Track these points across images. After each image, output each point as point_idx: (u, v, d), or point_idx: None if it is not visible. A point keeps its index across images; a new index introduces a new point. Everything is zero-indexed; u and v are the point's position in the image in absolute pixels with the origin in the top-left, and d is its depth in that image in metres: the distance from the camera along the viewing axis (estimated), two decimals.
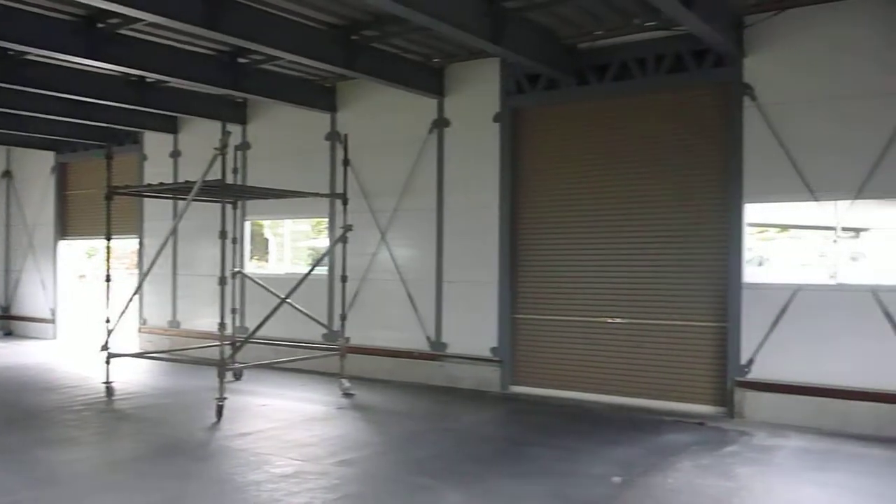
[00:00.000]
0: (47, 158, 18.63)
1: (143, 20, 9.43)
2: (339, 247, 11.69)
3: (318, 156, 13.60)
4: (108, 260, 11.80)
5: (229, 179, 10.40)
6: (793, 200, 9.68)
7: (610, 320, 10.93)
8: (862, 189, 9.12)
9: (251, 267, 15.38)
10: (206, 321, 14.38)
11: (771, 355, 9.61)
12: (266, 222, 16.60)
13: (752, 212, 9.95)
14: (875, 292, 9.04)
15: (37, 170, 18.91)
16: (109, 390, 11.04)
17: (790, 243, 13.58)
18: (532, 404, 10.90)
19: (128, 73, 12.19)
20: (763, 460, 7.95)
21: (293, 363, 12.13)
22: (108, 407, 10.56)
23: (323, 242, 15.75)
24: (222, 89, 12.11)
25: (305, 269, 12.27)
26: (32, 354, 15.87)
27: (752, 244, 10.73)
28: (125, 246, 18.51)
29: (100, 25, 10.09)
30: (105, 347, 11.19)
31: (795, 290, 9.53)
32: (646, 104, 10.73)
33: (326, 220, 13.80)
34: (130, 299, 11.42)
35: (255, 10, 9.51)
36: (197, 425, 9.39)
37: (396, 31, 10.50)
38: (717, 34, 9.07)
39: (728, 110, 9.99)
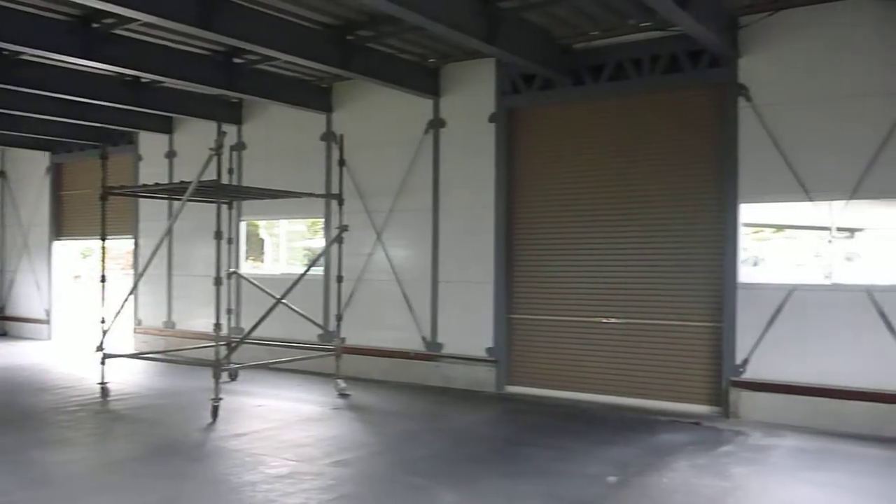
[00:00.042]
0: (42, 159, 18.59)
1: (138, 20, 9.43)
2: (334, 247, 11.68)
3: (314, 156, 13.59)
4: (103, 260, 11.77)
5: (225, 180, 10.39)
6: (788, 200, 9.69)
7: (605, 320, 10.94)
8: (857, 189, 9.14)
9: (247, 267, 15.36)
10: (202, 322, 14.32)
11: (766, 355, 9.63)
12: (262, 223, 16.58)
13: (748, 212, 9.97)
14: (870, 292, 9.07)
15: (32, 170, 18.87)
16: (104, 391, 11.02)
17: (785, 243, 13.60)
18: (527, 404, 10.90)
19: (123, 74, 12.17)
20: (758, 460, 7.97)
21: (289, 364, 12.11)
22: (103, 408, 10.54)
23: (318, 243, 15.75)
24: (217, 89, 12.10)
25: (301, 270, 12.25)
26: (27, 355, 15.83)
27: (748, 244, 10.74)
28: (120, 246, 18.45)
29: (94, 25, 10.07)
30: (100, 348, 11.17)
31: (790, 290, 9.55)
32: (641, 104, 10.74)
33: (322, 220, 13.80)
34: (125, 300, 11.40)
35: (250, 10, 9.50)
36: (192, 426, 9.37)
37: (392, 32, 10.50)
38: (711, 35, 9.09)
39: (723, 111, 10.01)
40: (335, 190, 11.92)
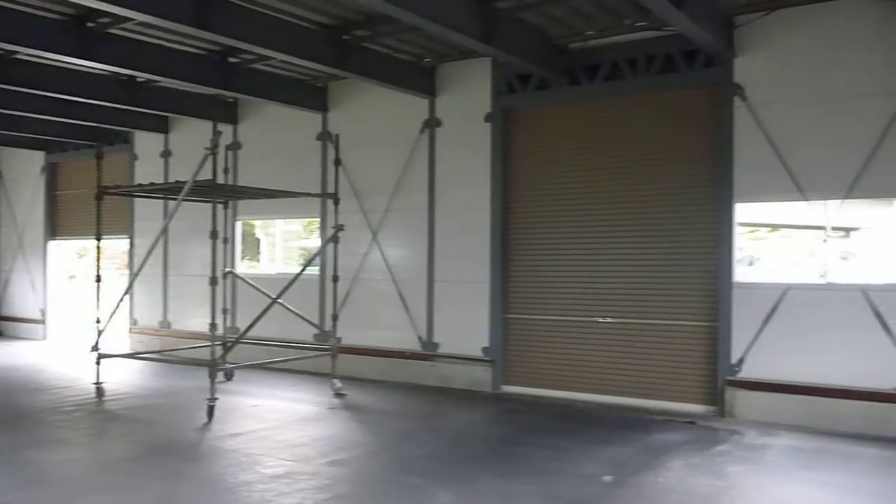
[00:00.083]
0: (37, 158, 18.55)
1: (134, 19, 9.42)
2: (330, 247, 11.68)
3: (310, 156, 13.58)
4: (98, 260, 11.76)
5: (220, 179, 10.39)
6: (783, 200, 9.72)
7: (601, 320, 10.95)
8: (852, 188, 9.16)
9: (242, 267, 15.35)
10: (197, 321, 14.35)
11: (761, 354, 9.65)
12: (257, 222, 16.55)
13: (743, 211, 9.98)
14: (865, 291, 9.09)
15: (27, 169, 18.83)
16: (100, 391, 11.00)
17: (781, 243, 13.61)
18: (523, 404, 10.91)
19: (118, 73, 12.14)
20: (754, 459, 7.98)
21: (284, 363, 12.11)
22: (98, 408, 10.52)
23: (314, 242, 15.73)
24: (213, 89, 12.08)
25: (297, 269, 12.25)
26: (22, 355, 15.79)
27: (743, 244, 10.76)
28: (116, 246, 18.46)
29: (90, 25, 10.05)
30: (95, 348, 11.15)
31: (786, 290, 9.57)
32: (636, 104, 10.75)
33: (318, 219, 13.78)
34: (121, 299, 11.39)
35: (246, 10, 9.49)
36: (188, 426, 9.36)
37: (388, 31, 10.50)
38: (707, 34, 9.10)
39: (718, 110, 10.02)
40: (331, 189, 11.91)
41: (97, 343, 11.15)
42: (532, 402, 10.94)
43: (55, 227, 18.53)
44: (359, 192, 12.91)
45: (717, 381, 9.97)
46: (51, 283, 18.61)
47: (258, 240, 18.75)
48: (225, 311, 13.01)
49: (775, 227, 13.22)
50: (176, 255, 15.60)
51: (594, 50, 10.84)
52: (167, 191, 11.69)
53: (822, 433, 8.93)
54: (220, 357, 10.38)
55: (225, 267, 13.08)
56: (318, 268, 13.17)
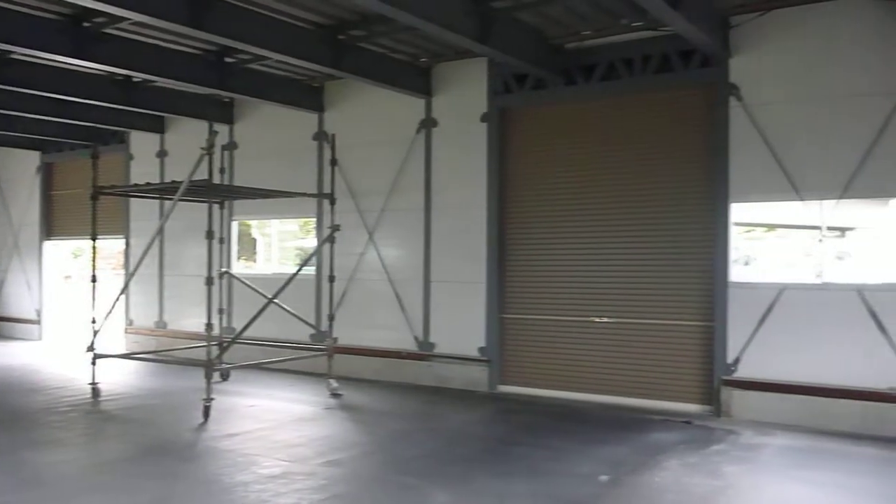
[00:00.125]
0: (33, 158, 18.51)
1: (129, 19, 9.41)
2: (326, 247, 11.67)
3: (306, 156, 13.57)
4: (93, 260, 11.73)
5: (216, 179, 10.37)
6: (778, 200, 9.73)
7: (597, 319, 10.96)
8: (847, 188, 9.18)
9: (239, 267, 15.34)
10: (193, 321, 14.33)
11: (757, 354, 9.66)
12: (253, 222, 16.56)
13: (739, 211, 10.00)
14: (860, 291, 9.10)
15: (22, 169, 18.78)
16: (96, 391, 10.99)
17: (776, 242, 13.63)
18: (520, 404, 10.91)
19: (114, 73, 12.12)
20: (749, 458, 8.00)
21: (281, 363, 12.10)
22: (94, 408, 10.51)
23: (310, 242, 15.71)
24: (209, 89, 12.07)
25: (293, 270, 12.24)
26: (18, 355, 15.76)
27: (739, 243, 10.77)
28: (111, 246, 18.42)
29: (85, 24, 10.04)
30: (91, 348, 11.14)
31: (781, 290, 9.58)
32: (633, 104, 10.77)
33: (314, 219, 13.78)
34: (116, 300, 11.38)
35: (241, 10, 9.48)
36: (184, 426, 9.35)
37: (383, 31, 10.50)
38: (703, 34, 9.11)
39: (714, 110, 10.04)
40: (327, 189, 11.90)
41: (93, 343, 11.14)
42: (528, 402, 10.94)
43: (51, 228, 18.49)
44: (355, 192, 12.90)
45: (713, 381, 9.99)
46: (46, 283, 18.57)
47: (254, 240, 18.77)
48: (221, 312, 12.99)
49: (771, 226, 13.25)
50: (172, 256, 15.58)
51: (590, 50, 10.85)
52: (163, 191, 11.68)
53: (818, 433, 8.94)
54: (217, 357, 10.37)
55: (221, 267, 13.06)
56: (314, 268, 13.16)
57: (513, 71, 11.34)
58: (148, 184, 11.54)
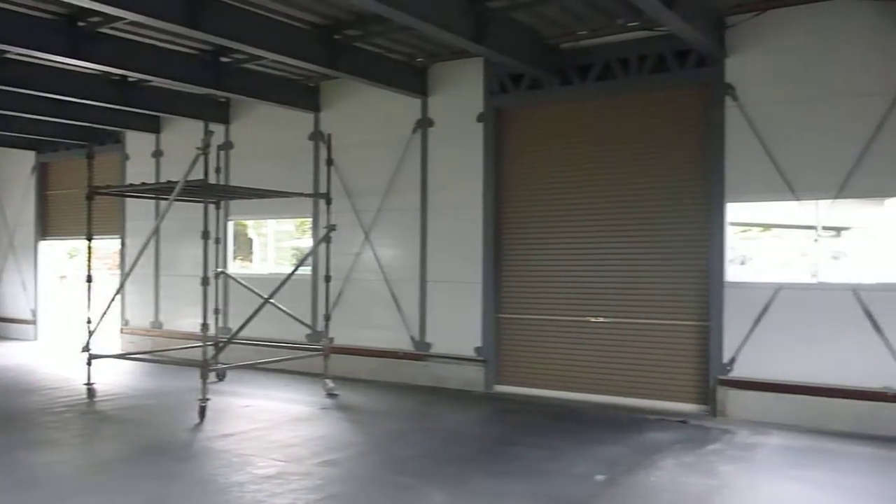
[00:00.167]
0: (28, 158, 18.47)
1: (125, 19, 9.39)
2: (322, 247, 11.66)
3: (302, 155, 13.56)
4: (89, 260, 11.71)
5: (212, 179, 10.37)
6: (774, 200, 9.76)
7: (593, 319, 10.96)
8: (843, 188, 9.20)
9: (234, 267, 15.32)
10: (189, 322, 14.28)
11: (753, 353, 9.68)
12: (249, 222, 16.54)
13: (735, 211, 10.02)
14: (855, 291, 9.12)
15: (17, 169, 18.74)
16: (91, 392, 10.96)
17: (772, 242, 13.66)
18: (516, 404, 10.91)
19: (109, 73, 12.10)
20: (745, 458, 8.01)
21: (277, 364, 12.08)
22: (89, 408, 10.49)
23: (307, 242, 15.71)
24: (205, 88, 12.06)
25: (289, 270, 12.23)
26: (13, 356, 15.72)
27: (735, 243, 10.79)
28: (107, 246, 18.38)
29: (81, 24, 10.02)
30: (86, 349, 11.11)
31: (777, 289, 9.60)
32: (628, 104, 10.77)
33: (310, 219, 13.77)
34: (112, 300, 11.34)
35: (237, 9, 9.47)
36: (180, 426, 9.34)
37: (379, 31, 10.49)
38: (698, 34, 9.12)
39: (710, 110, 10.05)
40: (323, 189, 11.90)
41: (88, 343, 11.11)
42: (524, 402, 10.95)
43: (46, 228, 18.45)
44: (351, 192, 12.90)
45: (708, 381, 10.00)
46: (42, 283, 18.54)
47: (250, 240, 18.74)
48: (217, 312, 12.97)
49: (767, 226, 13.29)
50: (167, 256, 15.56)
51: (586, 50, 10.85)
52: (159, 191, 11.66)
53: (813, 432, 8.96)
54: (212, 357, 10.35)
55: (217, 267, 13.04)
56: (310, 268, 13.16)
57: (509, 71, 11.34)
58: (144, 184, 11.52)
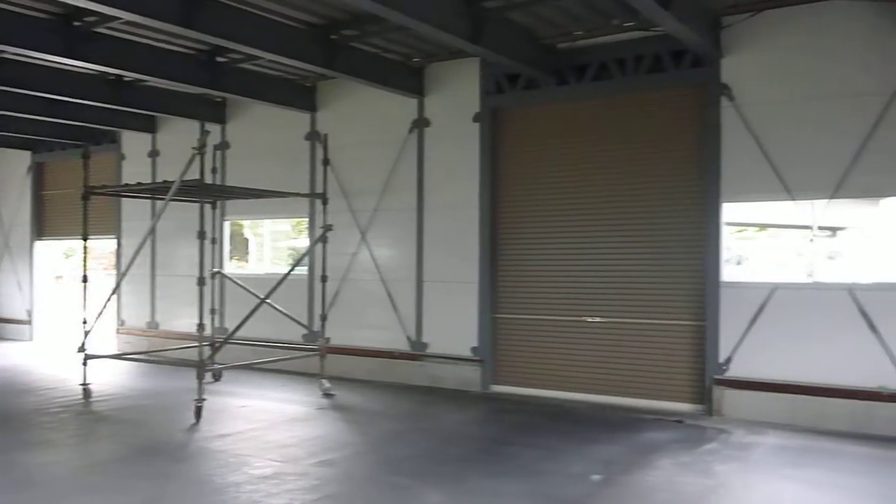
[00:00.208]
0: (23, 158, 18.43)
1: (121, 18, 9.38)
2: (319, 247, 11.66)
3: (298, 155, 13.55)
4: (85, 260, 11.70)
5: (208, 179, 10.35)
6: (770, 200, 9.78)
7: (589, 319, 10.97)
8: (838, 188, 9.21)
9: (231, 267, 15.31)
10: (185, 322, 14.28)
11: (749, 353, 9.69)
12: (246, 222, 16.52)
13: (730, 211, 10.03)
14: (851, 291, 9.14)
15: (12, 169, 18.70)
16: (87, 392, 10.95)
17: (768, 242, 13.68)
18: (512, 403, 10.92)
19: (105, 72, 12.08)
20: (741, 457, 8.02)
21: (273, 364, 12.07)
22: (85, 409, 10.47)
23: (303, 242, 15.71)
24: (201, 88, 12.04)
25: (285, 270, 12.22)
26: (9, 356, 15.69)
27: (730, 243, 10.81)
28: (103, 246, 18.36)
29: (76, 24, 10.00)
30: (82, 349, 11.09)
31: (773, 289, 9.61)
32: (624, 104, 10.78)
33: (306, 219, 13.76)
34: (108, 300, 11.33)
35: (234, 9, 9.46)
36: (176, 427, 9.32)
37: (376, 31, 10.49)
38: (694, 35, 9.13)
39: (706, 110, 10.06)
40: (319, 189, 11.89)
41: (84, 344, 11.10)
42: (521, 402, 10.95)
43: (42, 228, 18.42)
44: (347, 192, 12.89)
45: (704, 380, 10.01)
46: (37, 283, 18.50)
47: (246, 240, 18.71)
48: (213, 312, 12.97)
49: (762, 226, 13.30)
50: (164, 256, 15.54)
51: (582, 50, 10.86)
52: (155, 191, 11.65)
53: (809, 431, 8.98)
54: (209, 358, 10.35)
55: (213, 267, 13.04)
56: (306, 268, 13.15)
57: (505, 71, 11.34)
58: (139, 184, 11.50)
